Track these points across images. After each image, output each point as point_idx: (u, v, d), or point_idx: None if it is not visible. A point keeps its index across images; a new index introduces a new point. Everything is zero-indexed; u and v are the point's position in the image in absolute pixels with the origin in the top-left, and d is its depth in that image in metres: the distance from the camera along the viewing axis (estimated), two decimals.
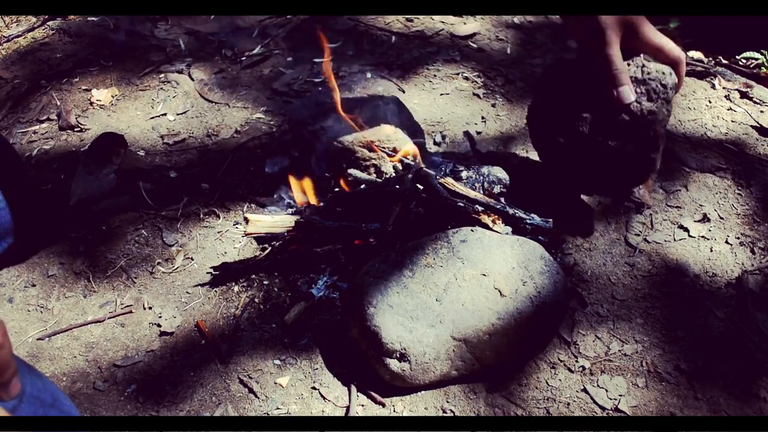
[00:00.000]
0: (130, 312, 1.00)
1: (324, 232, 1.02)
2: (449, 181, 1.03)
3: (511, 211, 1.03)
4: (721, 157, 1.21)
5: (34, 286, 1.05)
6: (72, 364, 0.94)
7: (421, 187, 1.03)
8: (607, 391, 0.87)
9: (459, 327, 0.84)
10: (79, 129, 1.35)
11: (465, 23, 1.62)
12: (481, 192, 1.09)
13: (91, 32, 1.63)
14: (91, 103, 1.41)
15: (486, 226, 0.99)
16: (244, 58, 1.52)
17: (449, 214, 1.02)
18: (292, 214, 1.11)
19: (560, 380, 0.89)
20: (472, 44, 1.55)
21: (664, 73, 0.92)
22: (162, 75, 1.48)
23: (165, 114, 1.37)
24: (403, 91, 1.40)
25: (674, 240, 1.06)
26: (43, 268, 1.08)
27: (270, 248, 1.06)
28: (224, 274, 1.04)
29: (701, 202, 1.12)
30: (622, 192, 1.09)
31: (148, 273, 1.06)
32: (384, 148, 1.10)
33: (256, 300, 1.01)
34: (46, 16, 1.69)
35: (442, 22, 1.62)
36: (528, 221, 1.03)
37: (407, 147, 1.11)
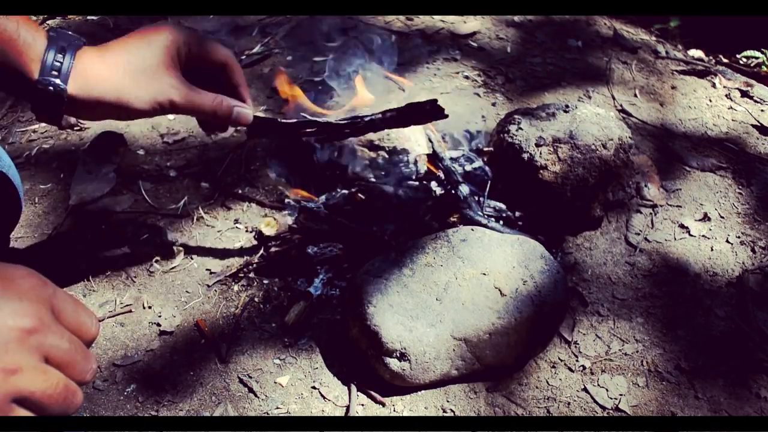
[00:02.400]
0: (130, 311, 1.00)
1: (320, 235, 1.02)
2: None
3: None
4: (722, 156, 1.21)
5: None
6: None
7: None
8: (607, 390, 0.87)
9: (459, 326, 0.83)
10: (78, 128, 1.35)
11: (465, 22, 1.61)
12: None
13: (90, 31, 1.63)
14: None
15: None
16: (243, 57, 1.52)
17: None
18: (290, 214, 1.10)
19: (561, 379, 0.89)
20: (472, 43, 1.55)
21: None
22: None
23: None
24: (404, 90, 1.39)
25: (675, 239, 1.06)
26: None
27: (269, 248, 1.06)
28: (224, 274, 1.03)
29: (702, 201, 1.12)
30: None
31: (148, 272, 1.06)
32: (384, 146, 1.10)
33: (256, 300, 1.00)
34: (46, 16, 1.69)
35: (443, 21, 1.62)
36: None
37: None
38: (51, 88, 0.69)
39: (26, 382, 0.42)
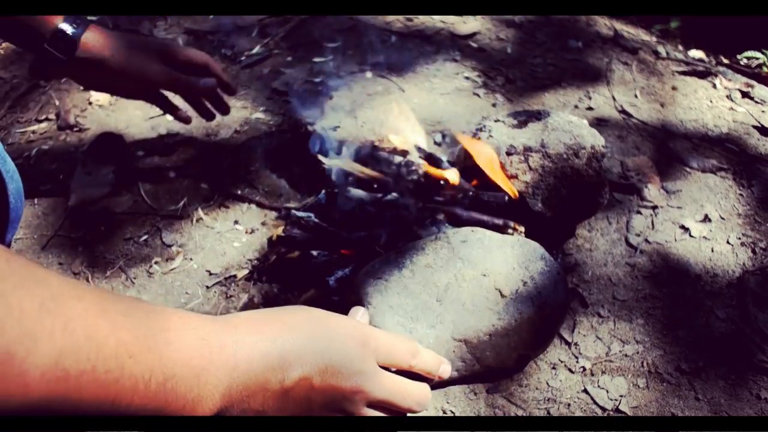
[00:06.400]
0: None
1: (306, 244, 1.01)
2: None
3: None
4: (723, 157, 1.21)
5: None
6: None
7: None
8: (607, 391, 0.87)
9: (459, 327, 0.83)
10: (77, 129, 1.35)
11: (465, 23, 1.61)
12: None
13: None
14: (90, 103, 1.41)
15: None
16: (243, 58, 1.52)
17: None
18: (277, 218, 1.09)
19: (561, 381, 0.88)
20: (472, 44, 1.55)
21: None
22: None
23: (164, 114, 1.37)
24: (403, 91, 1.39)
25: (675, 240, 1.06)
26: None
27: (272, 251, 1.06)
28: (223, 275, 1.03)
29: (702, 202, 1.12)
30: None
31: (147, 273, 1.05)
32: (384, 146, 1.10)
33: (256, 300, 1.00)
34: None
35: (442, 21, 1.62)
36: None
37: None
38: (71, 30, 0.88)
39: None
